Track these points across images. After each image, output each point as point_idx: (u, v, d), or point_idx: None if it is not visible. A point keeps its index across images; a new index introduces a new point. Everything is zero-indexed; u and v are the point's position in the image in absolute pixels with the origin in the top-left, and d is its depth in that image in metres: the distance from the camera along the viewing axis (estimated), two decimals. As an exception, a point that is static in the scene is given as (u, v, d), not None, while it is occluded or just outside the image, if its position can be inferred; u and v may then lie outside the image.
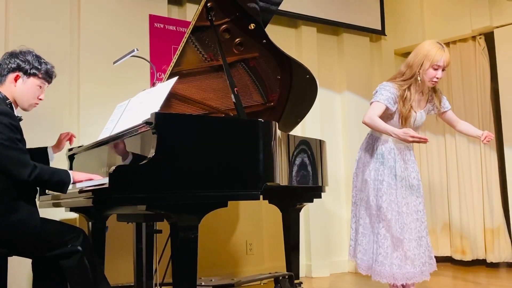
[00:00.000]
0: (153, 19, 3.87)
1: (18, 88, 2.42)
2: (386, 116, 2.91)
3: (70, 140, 2.97)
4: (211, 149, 2.19)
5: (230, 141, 2.25)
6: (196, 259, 2.14)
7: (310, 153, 3.04)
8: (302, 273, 4.12)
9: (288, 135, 2.85)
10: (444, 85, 4.84)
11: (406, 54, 3.13)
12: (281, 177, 2.54)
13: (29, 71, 2.42)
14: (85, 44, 3.60)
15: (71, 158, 3.12)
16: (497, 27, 4.56)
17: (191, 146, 2.15)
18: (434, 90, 3.04)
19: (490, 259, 4.52)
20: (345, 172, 4.77)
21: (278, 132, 2.49)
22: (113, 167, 1.97)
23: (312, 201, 3.36)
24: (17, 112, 2.46)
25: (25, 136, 2.38)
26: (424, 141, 2.70)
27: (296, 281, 3.31)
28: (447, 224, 4.84)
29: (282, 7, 3.32)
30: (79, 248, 2.24)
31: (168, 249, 2.24)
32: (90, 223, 3.00)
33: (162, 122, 2.10)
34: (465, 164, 4.73)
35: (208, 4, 2.79)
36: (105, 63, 3.54)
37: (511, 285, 3.93)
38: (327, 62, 4.89)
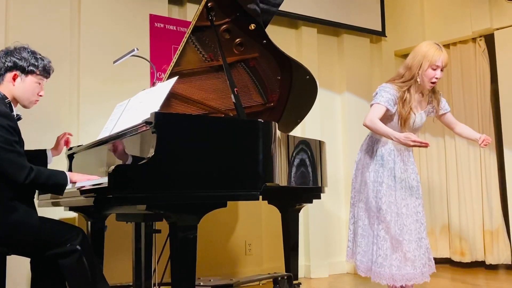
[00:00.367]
0: (153, 18, 3.87)
1: (17, 87, 2.40)
2: (386, 117, 2.91)
3: (66, 142, 2.94)
4: (211, 149, 2.19)
5: (229, 141, 2.25)
6: (195, 259, 2.14)
7: (310, 153, 3.04)
8: (301, 273, 4.12)
9: (288, 135, 2.84)
10: (444, 87, 4.84)
11: (406, 56, 3.13)
12: (281, 177, 2.54)
13: (26, 69, 2.39)
14: (85, 42, 3.59)
15: (70, 157, 3.12)
16: (497, 29, 4.56)
17: (190, 146, 2.14)
18: (433, 91, 3.04)
19: (489, 261, 4.51)
20: (344, 173, 4.77)
21: (278, 132, 2.49)
22: (113, 167, 1.97)
23: (311, 202, 3.36)
24: (17, 110, 2.45)
25: (25, 135, 2.38)
26: (425, 145, 2.70)
27: (295, 282, 3.31)
28: (446, 225, 4.84)
29: (282, 7, 3.32)
30: (78, 247, 2.23)
31: (167, 249, 2.24)
32: (89, 222, 2.99)
33: (162, 121, 2.10)
34: (465, 165, 4.73)
35: (209, 4, 2.79)
36: (105, 62, 3.53)
37: (510, 287, 3.93)
38: (327, 63, 4.89)
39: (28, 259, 2.41)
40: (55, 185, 2.27)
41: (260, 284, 4.00)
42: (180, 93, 3.00)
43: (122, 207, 2.36)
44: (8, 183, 2.19)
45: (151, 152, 2.06)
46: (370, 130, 2.95)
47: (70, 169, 3.09)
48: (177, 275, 2.13)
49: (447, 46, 4.87)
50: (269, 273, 3.45)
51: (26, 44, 2.47)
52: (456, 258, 4.69)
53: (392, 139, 2.81)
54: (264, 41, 3.03)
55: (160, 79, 3.39)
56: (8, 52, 2.41)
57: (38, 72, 2.43)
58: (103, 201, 2.03)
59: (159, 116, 2.10)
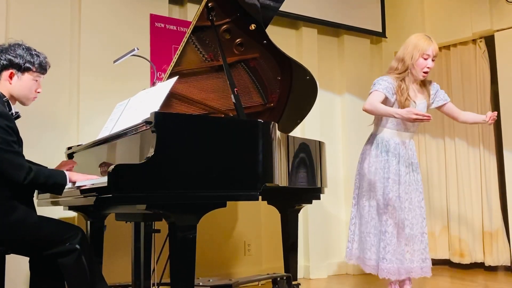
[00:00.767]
0: (154, 18, 3.87)
1: (15, 86, 2.38)
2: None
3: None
4: (211, 149, 2.19)
5: (229, 142, 2.25)
6: (194, 259, 2.14)
7: (310, 154, 3.04)
8: (300, 274, 4.12)
9: (288, 136, 2.84)
10: (444, 88, 4.78)
11: (406, 57, 3.14)
12: (280, 178, 2.54)
13: (23, 66, 2.37)
14: (85, 41, 3.59)
15: (70, 157, 3.12)
16: (498, 30, 4.56)
17: (190, 146, 2.14)
18: (423, 83, 3.07)
19: (488, 262, 4.51)
20: (344, 174, 4.77)
21: (278, 133, 2.49)
22: (112, 166, 1.97)
23: (311, 203, 3.36)
24: (15, 107, 2.44)
25: (24, 134, 2.38)
26: (428, 119, 2.71)
27: (294, 283, 3.31)
28: (446, 227, 4.84)
29: (283, 8, 3.32)
30: (77, 246, 2.23)
31: (166, 249, 2.24)
32: (88, 222, 2.99)
33: (162, 121, 2.10)
34: (464, 167, 4.73)
35: (209, 4, 2.79)
36: (105, 61, 3.53)
37: (509, 289, 3.93)
38: (328, 64, 4.89)
39: (27, 259, 2.40)
40: (54, 185, 2.27)
41: (259, 285, 4.00)
42: (180, 93, 3.00)
43: (121, 206, 2.36)
44: (7, 183, 2.19)
45: (151, 152, 2.05)
46: (371, 113, 2.98)
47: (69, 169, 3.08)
48: (176, 275, 2.12)
49: (447, 47, 4.88)
50: (268, 274, 3.45)
51: (21, 40, 2.44)
52: (456, 259, 4.69)
53: (394, 116, 2.83)
54: (265, 41, 3.03)
55: (160, 79, 3.38)
56: (2, 50, 2.38)
57: (34, 69, 2.41)
58: (103, 201, 2.03)
59: (159, 116, 2.10)
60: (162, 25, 3.90)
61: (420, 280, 3.59)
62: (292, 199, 3.31)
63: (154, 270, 2.76)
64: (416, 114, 2.70)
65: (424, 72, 2.95)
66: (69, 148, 3.13)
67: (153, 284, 2.76)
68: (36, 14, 3.43)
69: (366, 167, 3.09)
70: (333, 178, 4.46)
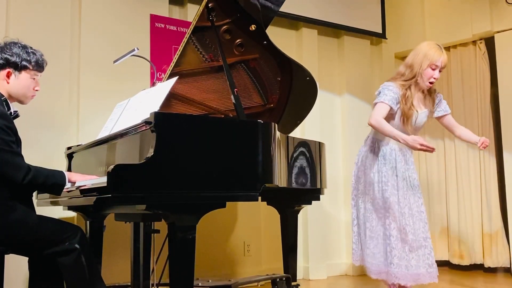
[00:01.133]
0: (154, 19, 3.87)
1: (12, 85, 2.37)
2: (388, 116, 2.92)
3: None
4: (210, 150, 2.19)
5: (229, 142, 2.25)
6: (194, 259, 2.14)
7: (309, 155, 3.04)
8: (299, 275, 4.11)
9: (288, 136, 2.84)
10: (444, 89, 4.84)
11: (406, 58, 3.14)
12: (280, 178, 2.54)
13: (19, 65, 2.36)
14: (85, 40, 3.59)
15: (70, 156, 3.12)
16: (498, 32, 4.56)
17: (190, 146, 2.14)
18: (429, 91, 3.05)
19: (488, 264, 4.51)
20: (344, 175, 4.77)
21: (278, 133, 2.49)
22: (112, 166, 1.96)
23: (310, 203, 3.36)
24: (14, 106, 2.43)
25: (24, 133, 2.37)
26: (431, 150, 2.70)
27: (293, 283, 3.30)
28: (445, 228, 4.84)
29: (283, 8, 3.32)
30: (77, 245, 2.22)
31: (166, 249, 2.23)
32: (87, 222, 2.99)
33: (162, 121, 2.10)
34: (464, 168, 4.73)
35: (209, 5, 2.78)
36: (105, 61, 3.53)
37: (509, 290, 3.93)
38: (328, 65, 4.89)
39: (26, 259, 2.40)
40: (53, 185, 2.27)
41: (259, 285, 4.00)
42: (180, 93, 3.00)
43: (121, 206, 2.36)
44: (6, 183, 2.18)
45: (150, 152, 2.05)
46: (376, 130, 2.95)
47: (69, 169, 3.08)
48: (175, 275, 2.12)
49: (447, 48, 4.87)
50: (267, 274, 3.45)
51: (16, 39, 2.43)
52: (455, 261, 4.69)
53: (399, 141, 2.81)
54: (265, 42, 3.03)
55: (160, 79, 3.38)
56: None
57: (31, 67, 2.40)
58: (102, 201, 2.03)
59: (158, 116, 2.10)
60: (162, 26, 3.90)
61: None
62: (292, 200, 3.31)
63: (153, 270, 2.76)
64: (421, 145, 2.69)
65: (430, 82, 2.93)
66: (69, 148, 3.13)
67: (152, 285, 2.75)
68: (36, 14, 3.43)
69: (362, 169, 3.09)
70: (332, 179, 4.46)
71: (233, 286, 3.12)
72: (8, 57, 2.35)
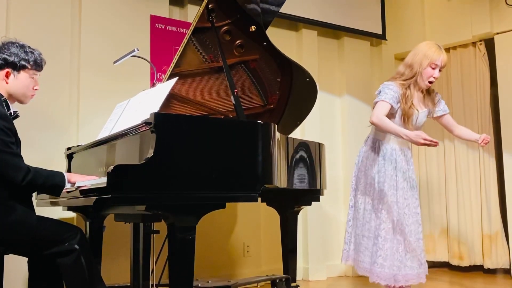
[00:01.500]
0: (154, 19, 3.87)
1: (12, 85, 2.37)
2: (388, 115, 2.92)
3: None
4: (210, 150, 2.19)
5: (229, 143, 2.25)
6: (193, 260, 2.14)
7: (309, 156, 3.04)
8: (299, 276, 4.12)
9: (287, 137, 2.84)
10: (444, 90, 4.84)
11: (406, 59, 3.14)
12: (280, 179, 2.54)
13: (18, 64, 2.35)
14: (85, 41, 3.59)
15: (69, 157, 3.12)
16: (498, 33, 4.56)
17: (190, 147, 2.14)
18: (428, 91, 3.06)
19: (488, 265, 4.51)
20: (343, 176, 4.77)
21: (277, 134, 2.49)
22: (112, 167, 1.96)
23: (310, 204, 3.36)
24: (14, 107, 2.43)
25: (23, 133, 2.37)
26: (435, 144, 2.70)
27: (293, 284, 3.30)
28: (445, 229, 4.84)
29: (283, 10, 3.32)
30: (76, 246, 2.22)
31: (165, 250, 2.23)
32: (87, 222, 2.99)
33: (162, 122, 2.10)
34: (464, 169, 4.73)
35: (209, 6, 2.79)
36: (105, 61, 3.53)
37: (508, 292, 3.93)
38: (328, 66, 4.89)
39: (26, 259, 2.40)
40: (53, 186, 2.27)
41: (258, 286, 4.00)
42: (180, 94, 3.00)
43: (121, 207, 2.36)
44: (5, 184, 2.18)
45: (150, 153, 2.05)
46: (378, 127, 2.95)
47: (69, 169, 3.08)
48: (175, 276, 2.12)
49: (447, 49, 4.86)
50: (267, 275, 3.45)
51: (14, 38, 2.43)
52: (455, 262, 4.69)
53: (402, 137, 2.80)
54: (265, 43, 3.03)
55: (160, 80, 3.39)
56: None
57: (30, 67, 2.39)
58: (102, 201, 2.03)
59: (158, 117, 2.10)
60: (162, 26, 3.90)
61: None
62: (292, 201, 3.31)
63: (153, 271, 2.76)
64: (425, 139, 2.68)
65: (429, 82, 2.94)
66: (69, 148, 3.13)
67: (152, 285, 2.75)
68: (36, 14, 3.43)
69: (363, 169, 3.09)
70: (332, 180, 4.46)
71: (233, 287, 3.12)
72: (7, 57, 2.34)
